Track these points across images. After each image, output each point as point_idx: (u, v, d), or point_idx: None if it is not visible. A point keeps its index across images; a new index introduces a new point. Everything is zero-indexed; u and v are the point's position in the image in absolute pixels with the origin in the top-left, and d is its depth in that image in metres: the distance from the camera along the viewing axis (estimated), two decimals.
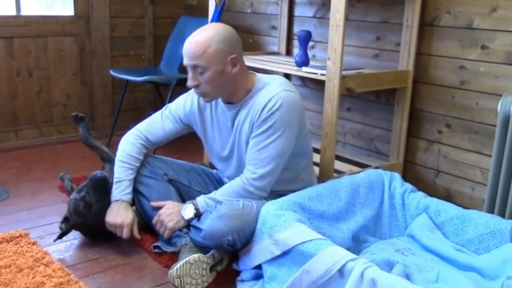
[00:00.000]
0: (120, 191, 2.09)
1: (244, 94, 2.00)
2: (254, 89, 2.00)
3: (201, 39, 1.90)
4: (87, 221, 2.07)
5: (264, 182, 1.94)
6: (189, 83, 1.94)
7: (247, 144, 2.00)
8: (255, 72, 2.08)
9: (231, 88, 1.98)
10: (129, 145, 2.17)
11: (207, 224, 1.83)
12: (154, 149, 2.34)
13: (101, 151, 2.41)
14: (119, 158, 2.15)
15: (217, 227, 1.80)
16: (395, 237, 2.12)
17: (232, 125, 2.05)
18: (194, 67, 1.91)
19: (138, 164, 2.15)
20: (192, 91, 2.16)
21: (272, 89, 1.95)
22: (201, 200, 1.98)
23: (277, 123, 1.91)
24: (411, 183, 2.24)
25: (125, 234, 2.04)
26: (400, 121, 2.55)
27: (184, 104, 2.17)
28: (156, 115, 2.22)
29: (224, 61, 1.91)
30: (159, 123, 2.19)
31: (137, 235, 2.07)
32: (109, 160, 2.34)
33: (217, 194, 1.98)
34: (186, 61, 1.93)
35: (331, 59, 2.19)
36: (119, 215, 2.04)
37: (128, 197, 2.10)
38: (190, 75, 1.94)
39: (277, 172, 1.97)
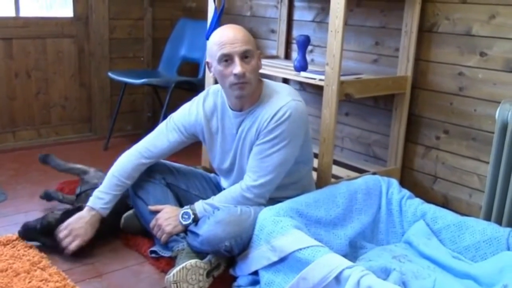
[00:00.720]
0: (102, 203, 2.06)
1: (254, 100, 1.98)
2: (262, 95, 1.99)
3: (242, 28, 1.95)
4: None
5: (263, 190, 1.94)
6: (239, 69, 1.85)
7: (250, 152, 1.99)
8: (261, 78, 2.05)
9: (255, 85, 1.96)
10: (125, 161, 2.11)
11: (205, 229, 1.83)
12: None
13: (74, 170, 2.51)
14: (111, 171, 2.10)
15: (214, 233, 1.80)
16: (392, 243, 2.12)
17: (237, 132, 2.04)
18: (245, 53, 1.89)
19: (129, 182, 2.09)
20: (196, 99, 2.15)
21: (282, 98, 1.95)
22: (199, 205, 1.98)
23: (284, 133, 1.91)
24: (409, 188, 2.24)
25: (72, 245, 1.99)
26: (398, 127, 2.55)
27: (189, 114, 2.12)
28: (161, 127, 2.15)
29: (257, 53, 1.97)
30: (164, 135, 2.12)
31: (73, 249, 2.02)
32: (84, 173, 2.45)
33: (215, 200, 1.97)
34: (234, 47, 1.87)
35: (330, 64, 2.19)
36: (81, 227, 2.01)
37: (106, 212, 2.06)
38: (237, 62, 1.87)
39: (277, 181, 1.97)
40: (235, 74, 1.87)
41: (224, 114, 2.07)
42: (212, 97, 2.12)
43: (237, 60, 1.88)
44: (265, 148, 1.93)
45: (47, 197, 2.50)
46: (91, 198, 2.08)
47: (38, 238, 2.09)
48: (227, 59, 1.89)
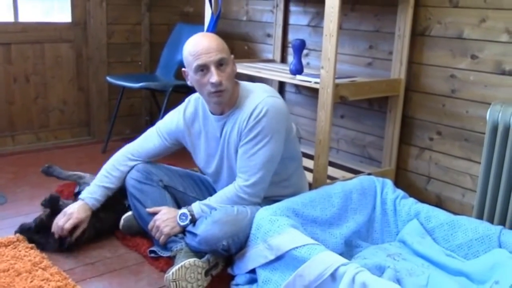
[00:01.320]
0: (88, 192, 2.18)
1: (232, 103, 2.03)
2: (239, 97, 2.04)
3: (215, 36, 1.99)
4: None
5: (256, 188, 1.98)
6: (216, 78, 1.91)
7: (236, 153, 2.03)
8: (237, 80, 2.10)
9: (232, 89, 2.01)
10: (114, 157, 2.27)
11: (202, 229, 1.87)
12: None
13: (72, 177, 2.55)
14: (103, 167, 2.25)
15: (212, 232, 1.84)
16: (387, 242, 2.17)
17: (220, 136, 2.08)
18: (220, 61, 1.93)
19: (115, 174, 2.21)
20: (179, 108, 2.21)
21: (257, 96, 1.99)
22: (196, 206, 2.02)
23: (265, 129, 1.95)
24: (403, 189, 2.28)
25: (68, 224, 2.07)
26: (392, 128, 2.60)
27: (171, 122, 2.21)
28: (150, 131, 2.27)
29: (231, 58, 2.01)
30: (150, 139, 2.25)
31: (73, 237, 2.11)
32: (80, 178, 2.49)
33: (212, 200, 2.01)
34: (209, 57, 1.92)
35: (325, 68, 2.24)
36: (74, 208, 2.11)
37: (92, 201, 2.15)
38: (215, 71, 1.92)
39: (268, 177, 2.01)
40: (212, 83, 1.93)
41: (206, 119, 2.13)
42: (193, 104, 2.18)
43: (213, 69, 1.92)
44: (249, 147, 1.97)
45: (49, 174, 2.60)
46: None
47: (34, 237, 2.14)
48: (203, 68, 1.94)
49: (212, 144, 2.13)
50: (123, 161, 2.24)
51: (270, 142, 1.96)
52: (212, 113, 2.09)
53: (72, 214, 2.10)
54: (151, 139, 2.25)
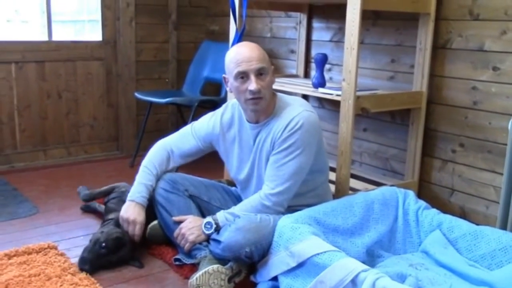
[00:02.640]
0: (137, 192, 2.23)
1: (269, 113, 2.10)
2: (276, 108, 2.10)
3: (257, 46, 2.07)
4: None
5: (281, 197, 2.02)
6: (254, 86, 1.99)
7: (267, 162, 2.09)
8: (275, 92, 2.18)
9: (269, 99, 2.08)
10: (154, 153, 2.33)
11: (226, 236, 1.91)
12: (176, 169, 2.46)
13: (103, 192, 2.63)
14: (143, 163, 2.31)
15: (235, 239, 1.88)
16: (409, 252, 2.17)
17: (254, 143, 2.14)
18: (260, 70, 2.01)
19: (157, 171, 2.29)
20: (216, 112, 2.29)
21: (294, 109, 2.06)
22: (220, 215, 2.07)
23: (298, 142, 2.01)
24: (426, 201, 2.28)
25: (137, 230, 2.15)
26: (415, 141, 2.61)
27: (207, 124, 2.29)
28: (185, 130, 2.35)
29: (271, 69, 2.08)
30: (186, 138, 2.33)
31: (139, 237, 2.17)
32: (111, 191, 2.57)
33: (236, 209, 2.06)
34: (250, 65, 2.00)
35: (346, 80, 2.29)
36: (133, 213, 2.17)
37: (142, 200, 2.22)
38: (253, 79, 2.00)
39: (294, 189, 2.05)
40: (250, 90, 2.00)
41: (241, 126, 2.19)
42: (230, 110, 2.25)
43: (252, 77, 2.00)
44: (280, 157, 2.03)
45: (87, 208, 2.71)
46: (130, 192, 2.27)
47: (103, 261, 2.08)
48: (243, 76, 2.02)
49: (245, 151, 2.20)
50: (162, 159, 2.30)
51: (301, 155, 2.02)
52: (248, 121, 2.16)
53: (135, 220, 2.16)
54: (186, 140, 2.32)
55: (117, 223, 2.21)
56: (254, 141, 2.14)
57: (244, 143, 2.19)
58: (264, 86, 2.02)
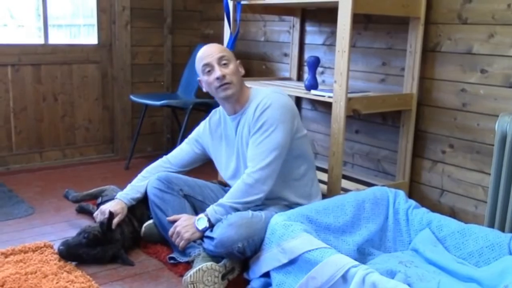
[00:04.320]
0: (123, 192, 2.38)
1: (244, 102, 2.22)
2: (251, 97, 2.22)
3: (217, 44, 2.25)
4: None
5: (263, 173, 2.08)
6: (218, 73, 2.15)
7: (247, 147, 2.16)
8: (250, 86, 2.33)
9: (241, 89, 2.21)
10: (152, 164, 2.49)
11: (219, 232, 1.95)
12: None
13: (91, 194, 2.69)
14: (141, 173, 2.47)
15: (227, 235, 1.92)
16: (400, 251, 2.21)
17: (235, 135, 2.25)
18: (221, 58, 2.17)
19: (148, 176, 2.42)
20: (207, 117, 2.40)
21: (264, 93, 2.19)
22: (210, 209, 2.10)
23: (270, 119, 2.10)
24: (417, 202, 2.32)
25: (103, 218, 2.21)
26: (406, 142, 2.66)
27: (198, 129, 2.44)
28: (184, 141, 2.50)
29: (235, 60, 2.22)
30: (182, 148, 2.49)
31: (112, 225, 2.22)
32: (102, 191, 2.63)
33: (224, 199, 2.11)
34: (211, 57, 2.17)
35: (338, 82, 2.33)
36: (109, 205, 2.29)
37: (125, 197, 2.35)
38: (217, 68, 2.15)
39: (275, 165, 2.10)
40: (217, 78, 2.14)
41: (225, 123, 2.32)
42: (218, 113, 2.40)
43: (216, 66, 2.16)
44: (256, 137, 2.12)
45: (81, 209, 2.74)
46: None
47: (80, 252, 2.13)
48: (209, 69, 2.18)
49: (230, 145, 2.30)
50: (158, 168, 2.44)
51: (275, 131, 2.10)
52: (228, 115, 2.27)
53: (105, 210, 2.25)
54: (183, 147, 2.48)
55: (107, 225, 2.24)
56: (236, 132, 2.25)
57: (228, 138, 2.31)
58: (228, 73, 2.16)
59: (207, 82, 2.20)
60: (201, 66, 2.19)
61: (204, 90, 2.27)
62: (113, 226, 2.21)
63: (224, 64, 2.17)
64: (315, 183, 2.33)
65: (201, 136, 2.42)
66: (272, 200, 2.18)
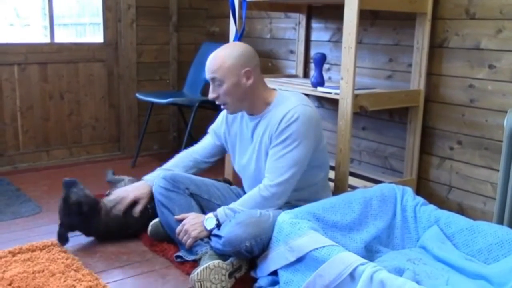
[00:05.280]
0: (150, 175, 2.45)
1: (264, 106, 2.17)
2: (275, 102, 2.16)
3: (218, 55, 2.13)
4: (71, 217, 2.25)
5: (280, 189, 2.06)
6: (210, 95, 2.17)
7: (266, 155, 2.13)
8: (276, 88, 2.25)
9: (250, 99, 2.16)
10: (179, 154, 2.53)
11: (226, 231, 1.95)
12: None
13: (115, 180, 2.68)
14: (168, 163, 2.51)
15: (235, 234, 1.91)
16: (408, 248, 2.20)
17: (252, 136, 2.20)
18: (213, 80, 2.14)
19: (179, 164, 2.47)
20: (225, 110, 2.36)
21: (291, 103, 2.11)
22: (220, 211, 2.10)
23: (294, 134, 2.05)
24: (425, 198, 2.30)
25: (123, 205, 2.32)
26: (413, 139, 2.65)
27: (217, 120, 2.45)
28: (208, 133, 2.53)
29: (238, 74, 2.10)
30: (206, 139, 2.51)
31: (136, 212, 2.34)
32: (119, 181, 2.62)
33: (236, 204, 2.10)
34: (206, 75, 2.16)
35: (344, 78, 2.32)
36: (132, 187, 2.40)
37: (148, 178, 2.44)
38: (211, 88, 2.16)
39: (293, 181, 2.09)
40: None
41: (242, 118, 2.30)
42: None
43: (211, 85, 2.16)
44: (278, 149, 2.08)
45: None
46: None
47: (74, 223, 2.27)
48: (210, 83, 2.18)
49: (245, 143, 2.28)
50: (186, 158, 2.49)
51: (298, 147, 2.06)
52: (247, 114, 2.26)
53: (130, 192, 2.36)
54: (207, 138, 2.51)
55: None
56: (253, 134, 2.22)
57: (244, 135, 2.28)
58: (221, 94, 2.14)
59: None
60: None
61: None
62: (136, 213, 2.32)
63: (218, 84, 2.13)
64: (327, 188, 2.35)
65: (219, 128, 2.42)
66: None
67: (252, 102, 2.17)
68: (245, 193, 2.31)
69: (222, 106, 2.21)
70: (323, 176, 2.27)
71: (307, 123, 2.07)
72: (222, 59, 2.12)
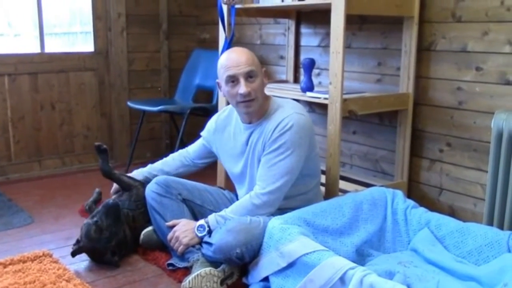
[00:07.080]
0: (139, 170, 2.58)
1: (262, 113, 2.17)
2: (269, 110, 2.17)
3: (244, 51, 2.14)
4: (97, 245, 2.18)
5: (272, 197, 2.07)
6: (244, 89, 2.06)
7: (259, 163, 2.14)
8: (269, 94, 2.26)
9: (262, 102, 2.15)
10: (174, 153, 2.58)
11: (217, 238, 1.95)
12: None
13: (121, 182, 2.53)
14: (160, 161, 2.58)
15: (226, 241, 1.91)
16: (399, 251, 2.20)
17: (246, 143, 2.21)
18: (249, 73, 2.08)
19: (165, 168, 2.53)
20: (216, 115, 2.39)
21: (285, 111, 2.12)
22: (212, 218, 2.11)
23: (287, 142, 2.06)
24: (416, 201, 2.32)
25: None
26: (403, 142, 2.66)
27: (207, 124, 2.44)
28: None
29: (261, 72, 2.15)
30: (197, 141, 2.52)
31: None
32: (128, 189, 2.48)
33: (227, 211, 2.10)
34: (239, 69, 2.07)
35: (333, 83, 2.33)
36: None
37: (141, 174, 2.55)
38: (242, 83, 2.07)
39: (285, 189, 2.09)
40: (240, 94, 2.06)
41: (236, 126, 2.28)
42: (228, 111, 2.37)
43: (242, 80, 2.07)
44: (271, 157, 2.08)
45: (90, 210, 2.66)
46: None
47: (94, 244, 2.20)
48: (233, 80, 2.09)
49: (238, 150, 2.26)
50: (177, 157, 2.53)
51: (291, 155, 2.06)
52: (242, 121, 2.24)
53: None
54: (199, 140, 2.51)
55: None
56: (247, 141, 2.21)
57: (237, 143, 2.27)
58: (254, 88, 2.09)
59: (229, 92, 2.12)
60: (225, 75, 2.10)
61: (222, 95, 2.26)
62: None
63: (250, 77, 2.09)
64: (319, 195, 2.35)
65: (209, 135, 2.42)
66: None
67: (261, 105, 2.16)
68: (238, 199, 2.31)
69: (248, 103, 2.10)
70: (315, 184, 2.28)
71: (300, 132, 2.07)
72: (250, 53, 2.13)
